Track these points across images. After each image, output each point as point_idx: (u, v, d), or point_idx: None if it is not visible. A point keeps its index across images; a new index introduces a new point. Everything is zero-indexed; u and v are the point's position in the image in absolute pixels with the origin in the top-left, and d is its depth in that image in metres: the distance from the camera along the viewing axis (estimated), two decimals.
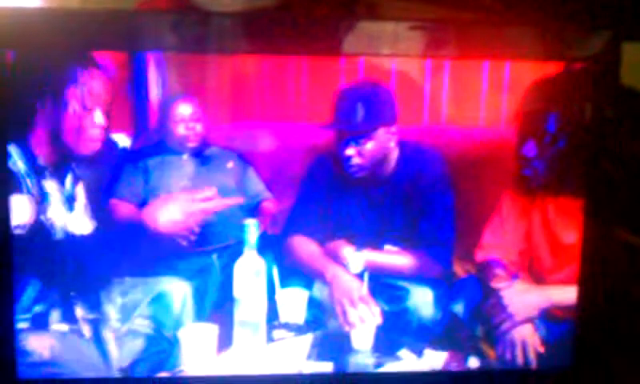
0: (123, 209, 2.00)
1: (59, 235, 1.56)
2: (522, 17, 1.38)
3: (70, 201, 1.61)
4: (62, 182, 1.60)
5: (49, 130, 1.53)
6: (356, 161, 1.76)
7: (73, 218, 1.60)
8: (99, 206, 1.74)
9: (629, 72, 1.38)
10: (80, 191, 1.65)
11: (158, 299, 1.70)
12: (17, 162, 1.49)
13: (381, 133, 1.76)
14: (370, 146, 1.75)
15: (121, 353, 1.59)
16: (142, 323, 1.66)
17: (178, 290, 1.74)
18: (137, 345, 1.63)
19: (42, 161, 1.54)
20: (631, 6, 1.37)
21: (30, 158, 1.51)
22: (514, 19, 1.39)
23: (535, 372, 1.59)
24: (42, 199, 1.52)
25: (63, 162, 1.60)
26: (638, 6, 1.37)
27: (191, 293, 1.78)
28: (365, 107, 1.73)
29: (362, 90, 1.79)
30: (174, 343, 1.63)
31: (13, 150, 1.48)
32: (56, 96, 1.51)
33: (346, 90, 1.80)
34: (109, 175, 1.99)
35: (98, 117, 1.56)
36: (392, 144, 1.80)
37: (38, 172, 1.53)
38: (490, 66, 1.91)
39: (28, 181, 1.50)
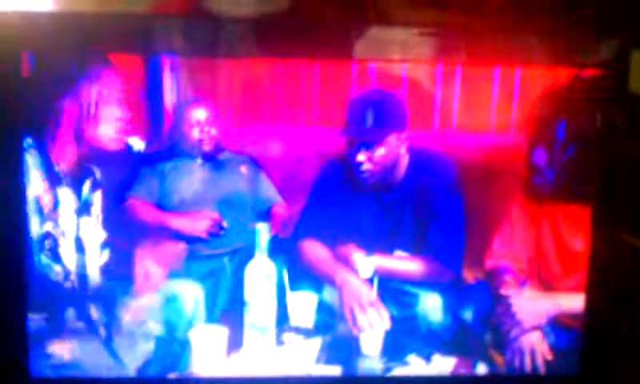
0: (140, 207, 2.03)
1: (70, 242, 1.58)
2: (531, 24, 1.38)
3: (86, 208, 1.63)
4: (79, 190, 1.61)
5: (71, 132, 1.54)
6: (367, 167, 1.77)
7: (86, 225, 1.63)
8: (114, 213, 1.75)
9: (638, 79, 1.37)
10: (97, 198, 1.67)
11: (170, 301, 1.71)
12: (33, 168, 1.51)
13: (392, 139, 1.77)
14: (380, 152, 1.75)
15: (133, 354, 1.61)
16: (154, 326, 1.67)
17: (189, 293, 1.76)
18: (149, 347, 1.65)
19: (60, 167, 1.56)
20: None
21: (47, 164, 1.54)
22: (524, 26, 1.39)
23: (544, 379, 1.59)
24: (54, 207, 1.55)
25: (84, 167, 1.62)
26: None
27: (203, 295, 1.80)
28: (376, 115, 1.74)
29: (374, 97, 1.80)
30: (184, 345, 1.64)
31: (30, 157, 1.51)
32: (76, 96, 1.53)
33: (358, 98, 1.81)
34: (126, 175, 2.03)
35: (118, 110, 1.58)
36: (402, 150, 1.81)
37: (54, 179, 1.55)
38: (501, 73, 1.91)
39: (42, 187, 1.52)
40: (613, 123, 1.42)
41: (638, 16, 1.37)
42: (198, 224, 2.01)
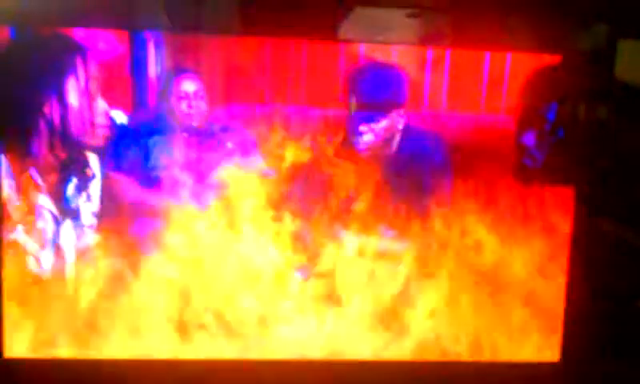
0: (123, 183, 2.01)
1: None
2: (519, 9, 1.36)
3: (69, 214, 1.56)
4: (61, 193, 1.54)
5: (53, 132, 1.47)
6: (368, 138, 1.76)
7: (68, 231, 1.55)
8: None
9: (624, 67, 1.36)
10: (83, 202, 1.59)
11: None
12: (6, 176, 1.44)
13: (394, 114, 1.77)
14: (383, 124, 1.76)
15: None
16: None
17: None
18: None
19: (39, 170, 1.49)
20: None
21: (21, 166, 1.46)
22: (511, 10, 1.37)
23: (526, 364, 1.59)
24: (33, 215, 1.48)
25: (65, 169, 1.54)
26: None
27: None
28: (386, 86, 1.76)
29: (383, 69, 1.79)
30: None
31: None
32: (55, 91, 1.46)
33: (367, 68, 1.80)
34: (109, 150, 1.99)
35: (102, 103, 1.53)
36: (400, 125, 1.81)
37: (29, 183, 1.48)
38: (492, 54, 1.88)
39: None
40: (597, 111, 1.41)
41: (626, 4, 1.35)
42: None
